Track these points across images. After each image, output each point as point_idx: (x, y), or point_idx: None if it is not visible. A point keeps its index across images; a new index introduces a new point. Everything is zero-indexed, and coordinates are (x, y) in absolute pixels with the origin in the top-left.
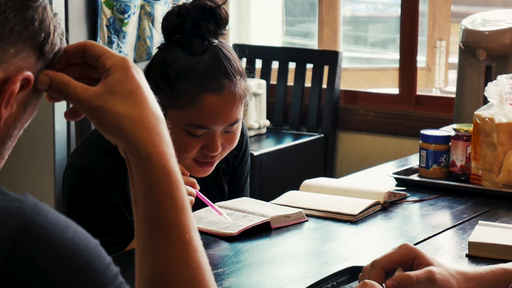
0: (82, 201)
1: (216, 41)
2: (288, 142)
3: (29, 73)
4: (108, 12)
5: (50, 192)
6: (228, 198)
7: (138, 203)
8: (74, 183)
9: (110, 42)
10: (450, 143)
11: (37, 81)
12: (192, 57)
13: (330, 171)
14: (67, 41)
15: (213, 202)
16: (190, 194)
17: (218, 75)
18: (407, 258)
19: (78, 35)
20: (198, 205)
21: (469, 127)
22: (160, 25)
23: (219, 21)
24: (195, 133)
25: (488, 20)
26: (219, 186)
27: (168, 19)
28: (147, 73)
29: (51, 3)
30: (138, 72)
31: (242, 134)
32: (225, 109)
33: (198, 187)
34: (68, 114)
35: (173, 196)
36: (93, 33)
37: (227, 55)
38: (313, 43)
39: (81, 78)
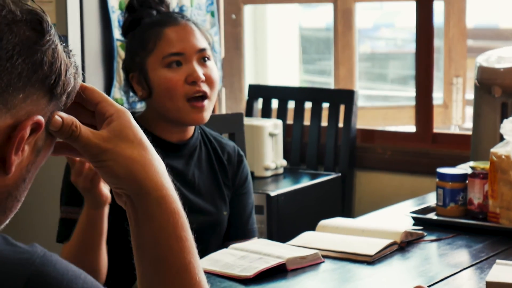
0: None
1: (163, 9)
2: (305, 182)
3: (39, 117)
4: (124, 55)
5: None
6: (232, 231)
7: (146, 247)
8: None
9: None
10: (467, 181)
11: (49, 123)
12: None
13: (348, 210)
14: None
15: (216, 205)
16: None
17: (172, 15)
18: None
19: (95, 78)
20: None
21: (486, 165)
22: None
23: None
24: (173, 63)
25: (503, 57)
26: (219, 189)
27: (123, 23)
28: (124, 66)
29: (67, 46)
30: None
31: (240, 155)
32: (187, 34)
33: None
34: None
35: (183, 237)
36: (109, 76)
37: (177, 11)
38: (331, 81)
39: None
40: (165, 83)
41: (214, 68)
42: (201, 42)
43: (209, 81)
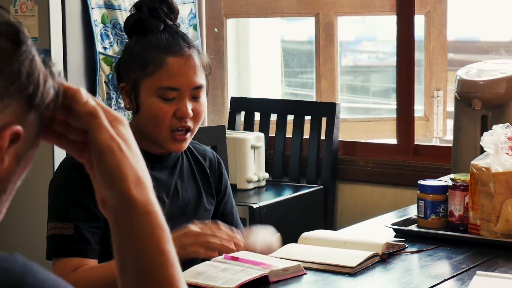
0: (71, 187)
1: (171, 22)
2: (287, 194)
3: (18, 128)
4: (106, 68)
5: None
6: None
7: (128, 260)
8: (67, 171)
9: (109, 98)
10: (447, 193)
11: (31, 133)
12: (153, 35)
13: (330, 223)
14: None
15: (198, 214)
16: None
17: (179, 42)
18: None
19: None
20: None
21: (466, 177)
22: None
23: (170, 6)
24: (167, 96)
25: (482, 70)
26: (200, 198)
27: (128, 19)
28: (118, 67)
29: (48, 56)
30: None
31: (219, 158)
32: (188, 69)
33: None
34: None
35: (166, 251)
36: (92, 89)
37: (183, 33)
38: (313, 93)
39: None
40: (154, 112)
41: (204, 103)
42: (200, 78)
43: (196, 116)
